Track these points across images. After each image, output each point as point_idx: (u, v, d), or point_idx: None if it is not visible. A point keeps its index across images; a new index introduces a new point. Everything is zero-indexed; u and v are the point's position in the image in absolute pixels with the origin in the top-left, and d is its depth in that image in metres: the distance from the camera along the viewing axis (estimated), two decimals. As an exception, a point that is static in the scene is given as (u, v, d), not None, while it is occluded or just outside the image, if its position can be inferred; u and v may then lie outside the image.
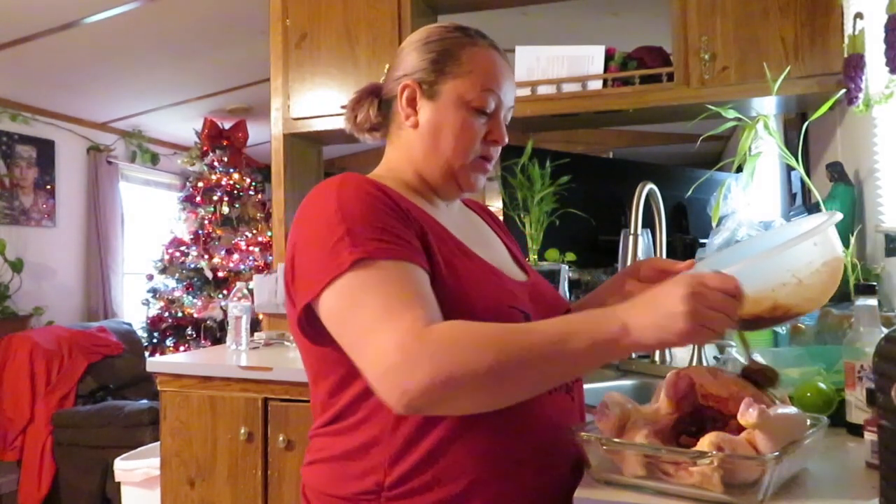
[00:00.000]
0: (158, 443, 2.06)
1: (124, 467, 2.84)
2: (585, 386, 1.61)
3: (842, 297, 1.61)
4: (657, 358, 1.76)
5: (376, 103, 1.07)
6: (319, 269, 0.85)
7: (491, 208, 1.29)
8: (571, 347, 0.79)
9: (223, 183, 4.97)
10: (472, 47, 1.02)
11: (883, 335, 0.77)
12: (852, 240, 1.62)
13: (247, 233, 4.94)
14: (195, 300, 4.75)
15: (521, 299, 0.99)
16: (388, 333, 0.78)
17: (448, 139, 1.00)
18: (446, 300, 0.87)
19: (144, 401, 3.74)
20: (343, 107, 1.11)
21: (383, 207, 0.89)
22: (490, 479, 0.90)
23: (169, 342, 4.71)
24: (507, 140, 1.04)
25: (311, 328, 0.91)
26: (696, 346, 1.66)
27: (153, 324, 4.74)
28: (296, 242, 0.91)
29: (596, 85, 2.21)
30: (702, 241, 2.47)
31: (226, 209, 4.95)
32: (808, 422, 0.91)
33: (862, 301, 1.09)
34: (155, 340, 4.72)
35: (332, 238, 0.85)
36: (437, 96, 1.01)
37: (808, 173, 1.90)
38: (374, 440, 0.91)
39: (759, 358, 0.81)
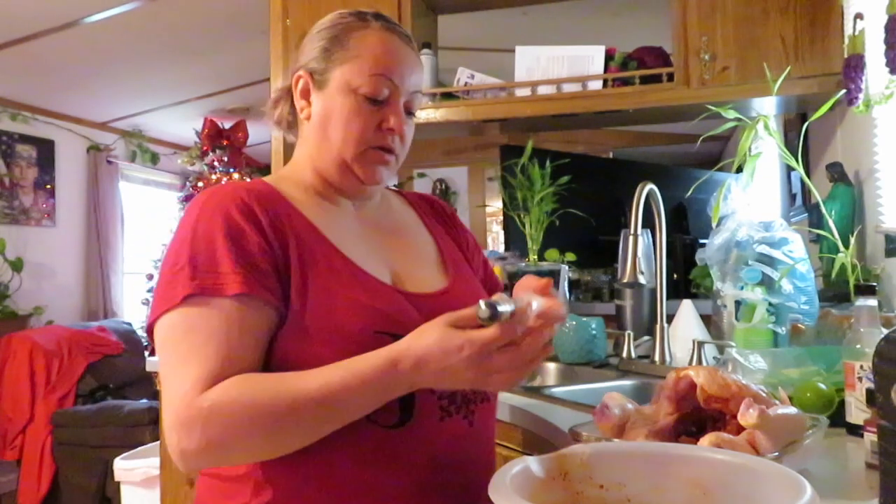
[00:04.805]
0: (158, 442, 2.06)
1: (124, 467, 2.84)
2: (584, 386, 1.62)
3: (842, 297, 1.61)
4: (657, 358, 1.76)
5: (290, 100, 1.04)
6: (161, 295, 0.85)
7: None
8: (352, 406, 0.79)
9: (223, 183, 4.96)
10: (362, 31, 0.97)
11: (883, 336, 0.77)
12: (852, 240, 1.62)
13: (247, 232, 4.94)
14: (195, 300, 4.74)
15: (402, 318, 0.90)
16: (173, 390, 0.80)
17: (336, 128, 0.96)
18: (306, 324, 0.85)
19: (144, 400, 3.74)
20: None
21: (236, 233, 0.85)
22: None
23: (169, 342, 4.70)
24: (405, 129, 0.97)
25: None
26: (696, 346, 1.66)
27: (153, 323, 4.74)
28: (165, 254, 0.91)
29: (596, 85, 2.20)
30: (702, 241, 2.47)
31: (226, 209, 4.94)
32: (808, 422, 0.91)
33: (862, 301, 1.09)
34: (155, 340, 4.72)
35: (177, 265, 0.84)
36: (326, 85, 0.97)
37: (808, 173, 1.90)
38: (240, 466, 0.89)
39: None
